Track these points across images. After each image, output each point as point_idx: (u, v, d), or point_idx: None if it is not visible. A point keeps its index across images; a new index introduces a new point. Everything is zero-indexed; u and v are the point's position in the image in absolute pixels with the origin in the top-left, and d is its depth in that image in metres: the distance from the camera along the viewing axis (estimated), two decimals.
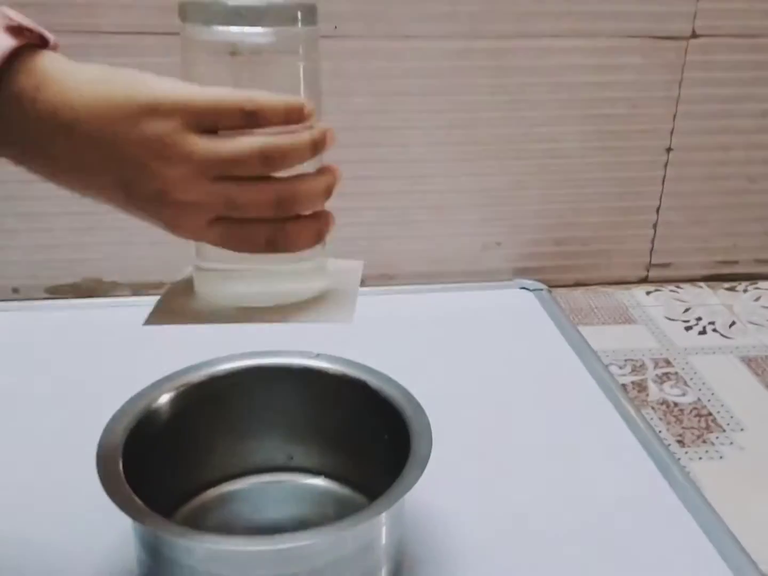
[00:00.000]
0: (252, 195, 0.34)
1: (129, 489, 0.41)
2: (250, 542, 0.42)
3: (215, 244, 0.35)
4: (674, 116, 0.89)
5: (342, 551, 0.41)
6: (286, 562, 0.40)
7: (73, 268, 0.85)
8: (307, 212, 0.37)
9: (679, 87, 0.87)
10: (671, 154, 0.91)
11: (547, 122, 0.86)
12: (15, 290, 0.85)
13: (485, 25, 0.81)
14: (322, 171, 0.38)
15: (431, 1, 0.80)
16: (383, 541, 0.43)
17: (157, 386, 0.49)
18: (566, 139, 0.88)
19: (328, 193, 0.38)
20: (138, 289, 0.85)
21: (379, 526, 0.42)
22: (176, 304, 0.42)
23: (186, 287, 0.43)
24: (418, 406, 0.48)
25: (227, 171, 0.33)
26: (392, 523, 0.44)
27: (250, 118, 0.33)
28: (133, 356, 0.53)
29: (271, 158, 0.34)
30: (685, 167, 0.91)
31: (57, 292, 0.85)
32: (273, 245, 0.36)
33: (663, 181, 0.92)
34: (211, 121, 0.32)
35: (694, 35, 0.85)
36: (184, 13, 0.37)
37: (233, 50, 0.36)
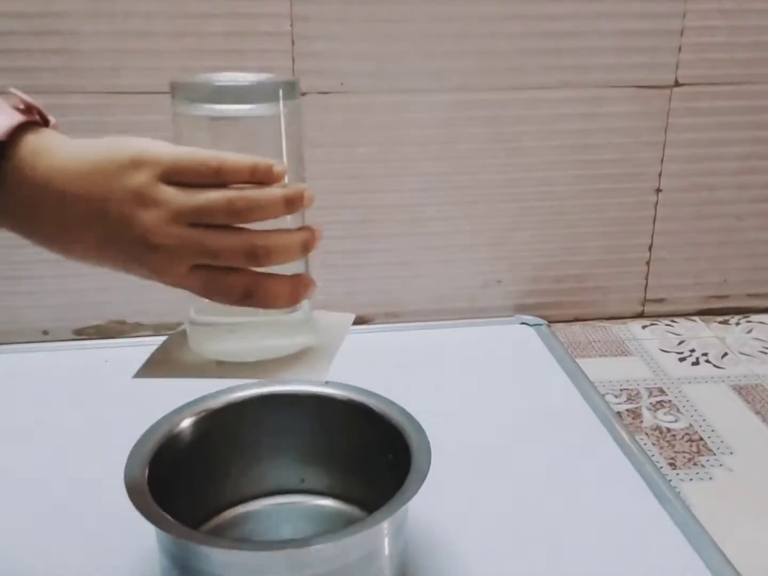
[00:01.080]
0: (224, 242, 0.36)
1: (153, 502, 0.45)
2: (260, 547, 0.46)
3: (196, 291, 0.38)
4: (662, 160, 0.94)
5: (346, 559, 0.44)
6: (296, 567, 0.44)
7: (98, 311, 0.90)
8: (286, 271, 0.39)
9: (665, 132, 0.93)
10: (660, 194, 0.96)
11: (541, 167, 0.92)
12: (45, 332, 0.90)
13: (480, 79, 0.87)
14: (301, 228, 0.40)
15: (429, 59, 0.86)
16: (386, 551, 0.47)
17: (178, 412, 0.54)
18: (559, 183, 0.93)
19: (305, 249, 0.40)
20: (159, 330, 0.90)
21: (382, 535, 0.46)
22: (166, 358, 0.45)
23: (180, 341, 0.46)
24: (418, 427, 0.52)
25: (199, 218, 0.36)
26: (394, 534, 0.48)
27: (216, 174, 0.36)
28: (155, 390, 0.57)
29: (238, 209, 0.36)
30: (674, 207, 0.96)
31: (83, 333, 0.90)
32: (249, 297, 0.38)
33: (654, 220, 0.97)
34: (182, 174, 0.36)
35: (677, 84, 0.91)
36: (173, 91, 0.40)
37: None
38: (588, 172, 0.93)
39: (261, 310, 0.40)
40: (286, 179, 0.39)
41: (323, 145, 0.87)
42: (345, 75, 0.85)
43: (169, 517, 0.44)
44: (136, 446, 0.50)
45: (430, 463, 0.48)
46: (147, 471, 0.48)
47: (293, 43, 0.83)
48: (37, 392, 0.74)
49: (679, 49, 0.89)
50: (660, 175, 0.95)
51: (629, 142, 0.93)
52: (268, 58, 0.83)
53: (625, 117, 0.91)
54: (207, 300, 0.41)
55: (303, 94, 0.85)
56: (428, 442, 0.50)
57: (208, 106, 0.39)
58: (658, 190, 0.95)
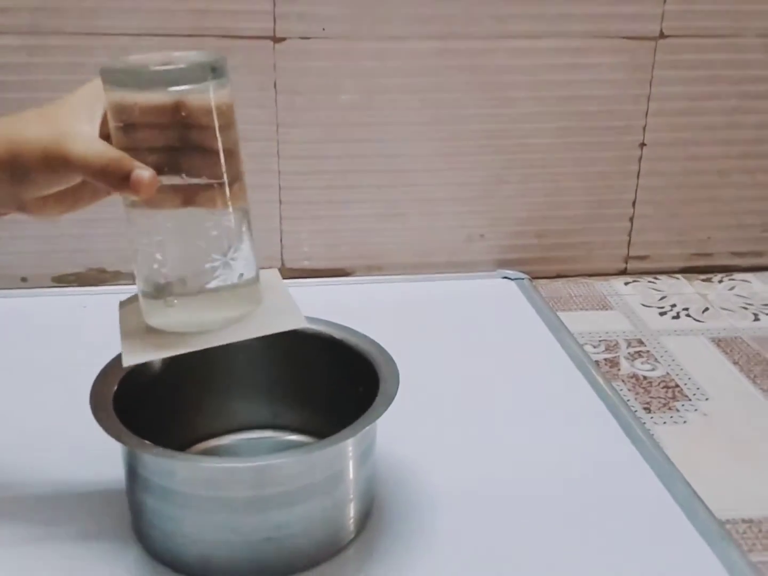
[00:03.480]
0: None
1: (117, 419, 0.45)
2: (224, 461, 0.46)
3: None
4: (646, 113, 0.93)
5: (311, 477, 0.45)
6: (260, 482, 0.44)
7: (77, 259, 0.89)
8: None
9: (650, 85, 0.92)
10: (645, 149, 0.95)
11: (525, 119, 0.91)
12: (23, 279, 0.89)
13: (463, 26, 0.86)
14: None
15: (413, 5, 0.85)
16: (351, 474, 0.47)
17: None
18: (543, 135, 0.92)
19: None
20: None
21: (347, 456, 0.47)
22: (141, 339, 0.45)
23: (136, 319, 0.46)
24: (389, 358, 0.52)
25: None
26: (360, 457, 0.48)
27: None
28: None
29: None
30: (658, 162, 0.96)
31: (63, 281, 0.90)
32: None
33: (638, 175, 0.96)
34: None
35: (662, 35, 0.90)
36: (102, 78, 0.41)
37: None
38: (572, 124, 0.92)
39: (196, 282, 0.43)
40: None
41: (304, 93, 0.86)
42: (327, 20, 0.84)
43: (131, 433, 0.44)
44: (101, 373, 0.50)
45: (397, 388, 0.48)
46: (113, 393, 0.48)
47: None
48: (15, 336, 0.74)
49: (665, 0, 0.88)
50: (644, 129, 0.94)
51: (614, 94, 0.92)
52: (249, 2, 0.82)
53: (610, 68, 0.91)
54: (141, 268, 0.44)
55: (283, 39, 0.85)
56: (397, 371, 0.51)
57: (134, 92, 0.40)
58: (643, 145, 0.95)
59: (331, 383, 0.56)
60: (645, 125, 0.94)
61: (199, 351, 0.56)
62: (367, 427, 0.45)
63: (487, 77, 0.89)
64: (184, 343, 0.44)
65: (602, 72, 0.91)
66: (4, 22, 0.80)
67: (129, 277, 0.91)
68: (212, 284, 0.44)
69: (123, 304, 0.49)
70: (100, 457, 0.50)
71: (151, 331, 0.45)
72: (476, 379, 0.68)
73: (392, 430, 0.50)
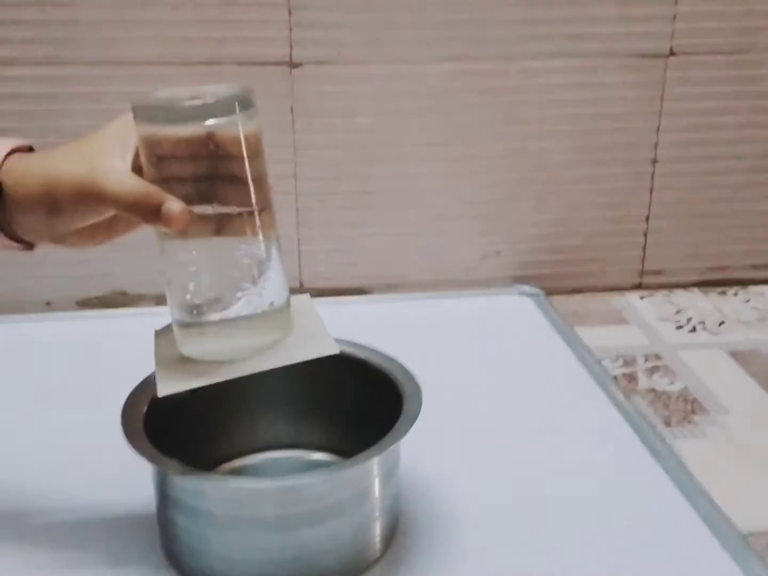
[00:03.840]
0: None
1: (147, 440, 0.46)
2: (250, 481, 0.47)
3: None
4: (658, 129, 0.94)
5: (337, 496, 0.46)
6: (288, 501, 0.45)
7: (100, 282, 0.91)
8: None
9: (661, 102, 0.93)
10: (657, 165, 0.96)
11: (537, 137, 0.92)
12: (48, 303, 0.91)
13: (475, 48, 0.88)
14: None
15: (426, 28, 0.86)
16: (377, 492, 0.48)
17: None
18: (556, 153, 0.93)
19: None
20: (161, 301, 0.91)
21: (372, 474, 0.47)
22: (175, 368, 0.46)
23: (170, 349, 0.47)
24: (410, 376, 0.53)
25: None
26: (386, 475, 0.49)
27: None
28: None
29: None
30: (671, 177, 0.97)
31: (86, 304, 0.92)
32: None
33: (651, 191, 0.97)
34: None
35: (672, 53, 0.91)
36: (134, 113, 0.42)
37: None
38: (584, 142, 0.93)
39: (228, 311, 0.44)
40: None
41: (320, 116, 0.88)
42: (342, 45, 0.86)
43: (160, 453, 0.45)
44: (131, 395, 0.51)
45: (420, 407, 0.49)
46: (143, 415, 0.49)
47: (290, 12, 0.84)
48: (40, 361, 0.75)
49: (674, 18, 0.89)
50: (656, 145, 0.95)
51: (625, 111, 0.93)
52: (266, 28, 0.84)
53: (621, 86, 0.92)
54: (174, 297, 0.45)
55: (299, 65, 0.86)
56: (420, 389, 0.51)
57: (166, 126, 0.41)
58: (655, 161, 0.96)
59: (354, 402, 0.57)
60: (657, 142, 0.95)
61: None
62: (392, 446, 0.46)
63: (500, 97, 0.90)
64: (217, 373, 0.45)
65: (614, 90, 0.92)
66: (25, 53, 0.82)
67: (151, 300, 0.93)
68: (244, 312, 0.44)
69: (158, 333, 0.50)
70: (129, 479, 0.51)
71: (185, 361, 0.46)
72: (496, 395, 0.69)
73: (415, 448, 0.51)
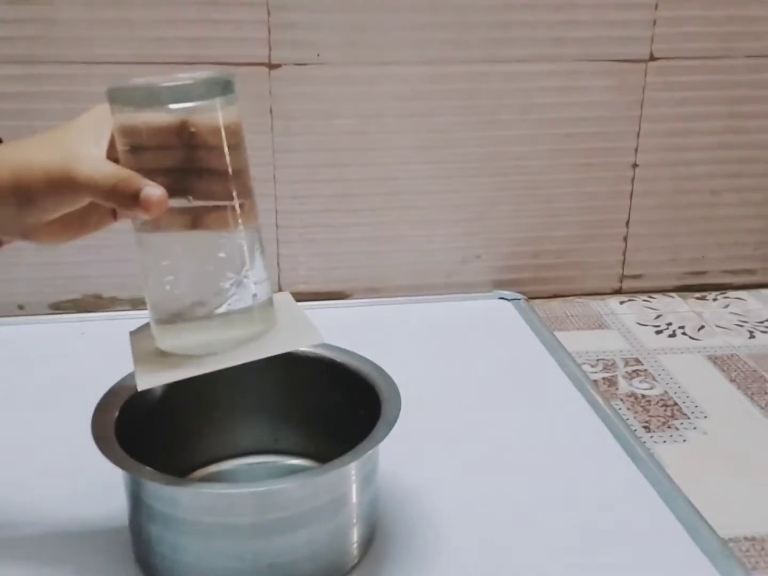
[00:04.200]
0: None
1: (119, 446, 0.45)
2: (226, 487, 0.46)
3: None
4: (638, 134, 0.94)
5: (314, 502, 0.45)
6: (263, 508, 0.44)
7: (74, 285, 0.89)
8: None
9: (641, 107, 0.93)
10: (637, 170, 0.96)
11: (518, 141, 0.92)
12: (20, 307, 0.89)
13: (456, 51, 0.87)
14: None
15: (406, 30, 0.86)
16: (354, 498, 0.47)
17: None
18: (536, 157, 0.93)
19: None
20: (136, 304, 0.90)
21: (350, 480, 0.47)
22: (153, 363, 0.45)
23: (147, 344, 0.46)
24: (389, 379, 0.52)
25: None
26: (363, 480, 0.48)
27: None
28: (130, 361, 0.58)
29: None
30: (651, 182, 0.97)
31: (60, 307, 0.90)
32: None
33: (631, 195, 0.97)
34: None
35: (652, 58, 0.91)
36: (109, 97, 0.41)
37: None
38: (565, 147, 0.93)
39: (209, 305, 0.43)
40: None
41: (300, 118, 0.87)
42: (321, 46, 0.85)
43: (133, 460, 0.44)
44: (103, 398, 0.50)
45: (399, 410, 0.48)
46: (115, 421, 0.48)
47: (269, 13, 0.83)
48: (12, 365, 0.74)
49: (654, 22, 0.90)
50: (636, 150, 0.95)
51: (606, 116, 0.93)
52: (244, 29, 0.83)
53: (602, 91, 0.92)
54: (152, 292, 0.43)
55: (278, 66, 0.86)
56: (398, 392, 0.51)
57: (146, 112, 0.40)
58: (635, 165, 0.96)
59: (332, 407, 0.56)
60: (637, 146, 0.95)
61: (200, 376, 0.56)
62: (370, 451, 0.45)
63: (479, 101, 0.90)
64: (198, 365, 0.43)
65: (594, 94, 0.92)
66: (1, 51, 0.81)
67: (125, 303, 0.92)
68: (225, 307, 0.43)
69: (134, 333, 0.48)
70: (101, 486, 0.50)
71: (164, 355, 0.45)
72: (475, 400, 0.69)
73: (394, 454, 0.50)
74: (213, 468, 0.58)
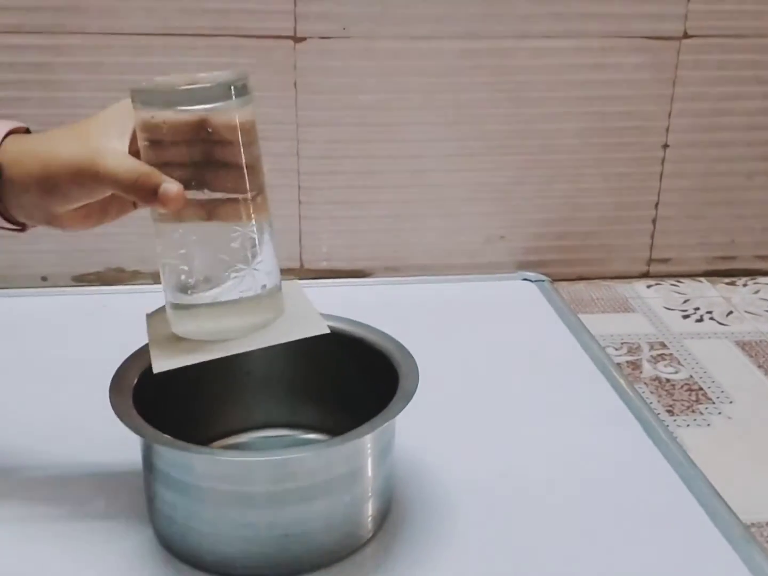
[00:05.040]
0: None
1: (136, 413, 0.45)
2: (241, 455, 0.46)
3: None
4: (669, 114, 0.92)
5: (329, 473, 0.44)
6: (278, 477, 0.43)
7: (97, 258, 0.90)
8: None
9: (673, 86, 0.91)
10: (668, 150, 0.94)
11: (546, 119, 0.90)
12: (44, 278, 0.90)
13: (485, 26, 0.86)
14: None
15: (433, 4, 0.85)
16: (370, 471, 0.47)
17: None
18: (564, 136, 0.91)
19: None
20: (157, 278, 0.89)
21: (365, 452, 0.46)
22: (169, 347, 0.47)
23: (163, 328, 0.48)
24: (407, 354, 0.52)
25: None
26: (379, 454, 0.47)
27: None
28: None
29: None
30: (682, 164, 0.95)
31: (83, 280, 0.90)
32: None
33: (660, 177, 0.95)
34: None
35: (686, 35, 0.89)
36: (132, 97, 0.43)
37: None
38: (594, 125, 0.92)
39: (221, 293, 0.45)
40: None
41: (323, 92, 0.86)
42: (347, 19, 0.84)
43: (149, 425, 0.44)
44: (122, 366, 0.50)
45: (417, 385, 0.48)
46: (133, 389, 0.48)
47: None
48: (35, 335, 0.74)
49: None
50: (668, 129, 0.93)
51: (636, 95, 0.91)
52: (270, 1, 0.82)
53: (633, 69, 0.90)
54: (168, 279, 0.46)
55: (303, 39, 0.85)
56: (416, 367, 0.50)
57: (164, 111, 0.42)
58: (666, 146, 0.94)
59: (350, 381, 0.55)
60: (668, 126, 0.93)
61: None
62: (386, 424, 0.45)
63: (508, 77, 0.88)
64: (210, 350, 0.46)
65: (625, 72, 0.90)
66: (25, 21, 0.81)
67: (147, 277, 0.92)
68: (236, 294, 0.45)
69: (150, 315, 0.51)
70: (119, 449, 0.50)
71: (178, 339, 0.47)
72: (496, 380, 0.68)
73: (411, 429, 0.50)
74: (230, 440, 0.58)
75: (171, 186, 0.42)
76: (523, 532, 0.49)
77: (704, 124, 0.93)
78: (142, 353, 0.52)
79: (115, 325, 0.75)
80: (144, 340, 0.53)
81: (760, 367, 0.77)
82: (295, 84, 0.86)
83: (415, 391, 0.47)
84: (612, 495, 0.54)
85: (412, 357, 0.51)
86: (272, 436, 0.59)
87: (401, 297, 0.86)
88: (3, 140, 0.45)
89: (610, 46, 0.88)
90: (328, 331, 0.47)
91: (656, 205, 0.97)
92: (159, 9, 0.81)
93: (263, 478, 0.43)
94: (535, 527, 0.50)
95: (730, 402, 0.71)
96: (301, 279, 0.93)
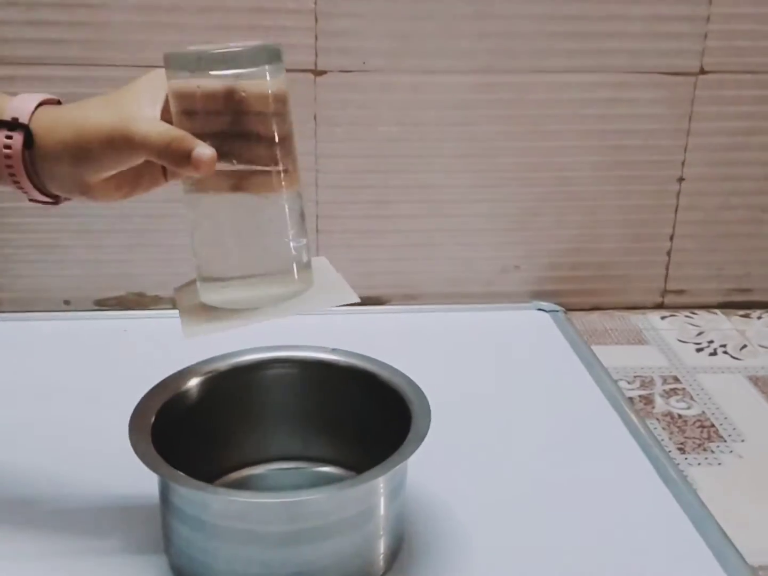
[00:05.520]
0: None
1: (154, 450, 0.46)
2: (255, 496, 0.47)
3: None
4: (685, 148, 0.93)
5: (342, 514, 0.45)
6: (291, 517, 0.44)
7: (119, 282, 0.91)
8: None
9: (689, 120, 0.92)
10: (683, 184, 0.95)
11: (562, 152, 0.91)
12: (66, 302, 0.92)
13: (503, 60, 0.87)
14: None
15: (452, 39, 0.86)
16: (382, 510, 0.48)
17: (184, 373, 0.55)
18: (580, 168, 0.92)
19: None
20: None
21: (378, 493, 0.47)
22: (199, 315, 0.47)
23: (192, 298, 0.48)
24: (420, 393, 0.52)
25: None
26: (391, 494, 0.48)
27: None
28: (173, 357, 0.59)
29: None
30: (697, 197, 0.95)
31: (104, 304, 0.92)
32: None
33: (676, 209, 0.96)
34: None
35: (702, 71, 0.90)
36: (165, 61, 0.44)
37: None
38: (609, 159, 0.92)
39: (251, 265, 0.45)
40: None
41: (343, 124, 0.88)
42: (367, 54, 0.85)
43: (167, 464, 0.45)
44: (141, 402, 0.51)
45: (429, 427, 0.49)
46: (151, 424, 0.49)
47: (316, 20, 0.84)
48: (57, 359, 0.76)
49: (705, 36, 0.88)
50: (683, 163, 0.94)
51: (653, 129, 0.92)
52: (292, 35, 0.84)
53: (649, 104, 0.91)
54: (199, 251, 0.45)
55: (324, 72, 0.86)
56: (429, 407, 0.51)
57: (197, 74, 0.42)
58: (681, 179, 0.95)
59: (363, 416, 0.56)
60: (684, 160, 0.94)
61: (235, 382, 0.57)
62: (398, 466, 0.46)
63: (524, 111, 0.89)
64: (240, 318, 0.45)
65: (641, 107, 0.91)
66: (55, 53, 0.83)
67: (167, 302, 0.93)
68: (266, 266, 0.45)
69: (178, 288, 0.50)
70: (138, 479, 0.51)
71: (208, 308, 0.47)
72: (508, 414, 0.68)
73: (423, 465, 0.51)
74: (245, 472, 0.59)
75: (204, 150, 0.42)
76: (535, 570, 0.50)
77: (719, 159, 0.94)
78: (162, 387, 0.53)
79: (135, 350, 0.77)
80: (165, 369, 0.54)
81: None
82: (315, 116, 0.87)
83: (426, 432, 0.48)
84: (620, 534, 0.54)
85: (425, 396, 0.52)
86: (286, 468, 0.60)
87: (417, 325, 0.87)
88: (35, 110, 0.45)
89: (627, 81, 0.89)
90: (357, 299, 0.47)
91: (671, 237, 0.97)
92: (185, 43, 0.83)
93: (277, 519, 0.44)
94: (543, 563, 0.50)
95: (742, 440, 0.71)
96: None
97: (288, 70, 0.85)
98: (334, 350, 0.59)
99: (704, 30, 0.88)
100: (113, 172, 0.44)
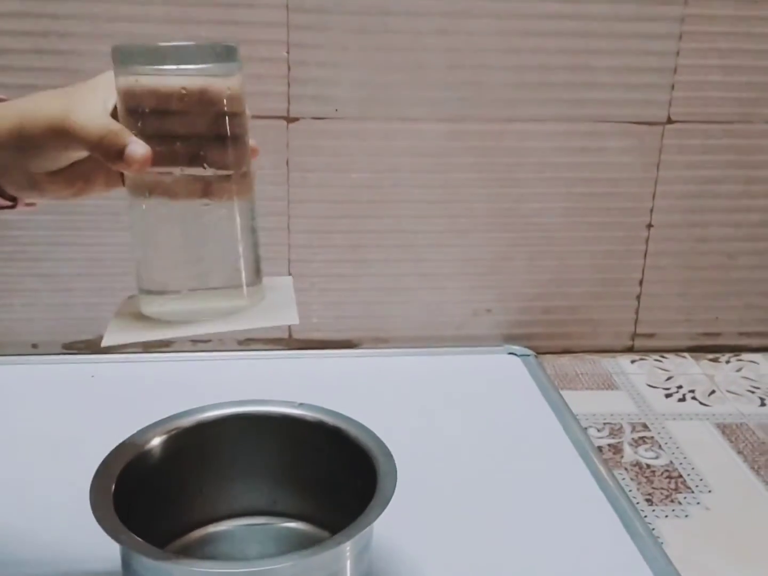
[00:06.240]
0: None
1: (116, 518, 0.45)
2: (219, 566, 0.46)
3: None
4: (653, 195, 0.94)
5: None
6: None
7: (87, 326, 0.90)
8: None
9: (657, 169, 0.93)
10: (652, 230, 0.96)
11: (533, 199, 0.92)
12: (34, 345, 0.91)
13: (475, 109, 0.88)
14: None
15: (424, 88, 0.87)
16: (348, 574, 0.47)
17: (148, 430, 0.55)
18: (551, 215, 0.93)
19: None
20: (147, 347, 0.91)
21: (344, 557, 0.47)
22: (128, 324, 0.45)
23: (132, 308, 0.46)
24: (387, 452, 0.52)
25: None
26: (357, 557, 0.48)
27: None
28: (140, 407, 0.58)
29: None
30: (666, 243, 0.96)
31: (73, 347, 0.91)
32: None
33: (645, 255, 0.97)
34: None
35: (669, 121, 0.91)
36: (113, 55, 0.42)
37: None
38: (580, 205, 0.93)
39: (196, 278, 0.43)
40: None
41: (316, 170, 0.88)
42: (339, 101, 0.86)
43: (129, 532, 0.44)
44: (103, 463, 0.51)
45: (394, 489, 0.49)
46: (113, 487, 0.49)
47: (289, 69, 0.84)
48: (23, 404, 0.75)
49: (673, 86, 0.90)
50: (652, 210, 0.95)
51: (621, 177, 0.93)
52: (265, 83, 0.84)
53: (618, 152, 0.92)
54: (141, 262, 0.43)
55: (296, 119, 0.87)
56: (395, 468, 0.51)
57: (149, 68, 0.40)
58: (650, 226, 0.96)
59: (330, 472, 0.56)
60: (653, 207, 0.95)
61: (200, 438, 0.57)
62: (363, 531, 0.45)
63: (495, 158, 0.90)
64: (171, 330, 0.43)
65: (611, 155, 0.92)
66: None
67: (137, 346, 0.92)
68: (212, 280, 0.43)
69: (128, 297, 0.48)
70: (101, 540, 0.51)
71: (143, 319, 0.44)
72: (474, 464, 0.68)
73: (389, 522, 0.50)
74: (211, 528, 0.58)
75: (137, 147, 0.40)
76: None
77: (687, 206, 0.95)
78: (124, 446, 0.53)
79: (102, 396, 0.76)
80: (133, 418, 0.53)
81: (739, 453, 0.78)
82: (287, 162, 0.88)
83: (392, 495, 0.48)
84: None
85: (392, 456, 0.52)
86: (253, 525, 0.59)
87: (388, 368, 0.87)
88: None
89: (597, 130, 0.91)
90: (296, 322, 0.44)
91: (641, 281, 0.98)
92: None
93: None
94: None
95: (709, 491, 0.71)
96: (289, 350, 0.95)
97: (261, 117, 0.86)
98: (301, 405, 0.59)
99: (671, 81, 0.90)
100: (58, 163, 0.44)
